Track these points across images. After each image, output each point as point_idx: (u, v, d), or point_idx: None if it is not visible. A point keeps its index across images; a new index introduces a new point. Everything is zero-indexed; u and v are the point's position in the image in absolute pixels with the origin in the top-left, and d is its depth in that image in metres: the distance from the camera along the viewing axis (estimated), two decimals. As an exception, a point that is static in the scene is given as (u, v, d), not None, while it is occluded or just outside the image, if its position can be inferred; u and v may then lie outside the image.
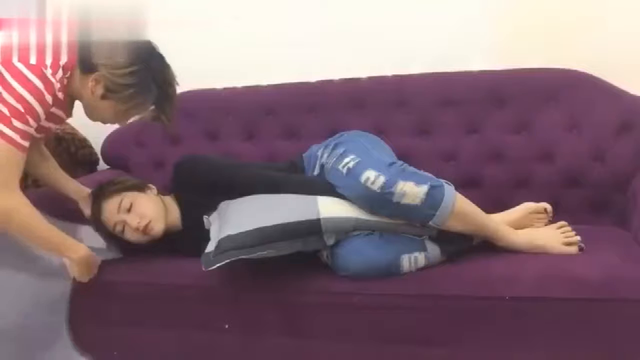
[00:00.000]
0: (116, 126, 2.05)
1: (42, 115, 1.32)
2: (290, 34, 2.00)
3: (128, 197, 1.56)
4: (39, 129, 1.37)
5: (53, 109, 1.37)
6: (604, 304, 1.26)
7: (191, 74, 1.90)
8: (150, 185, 1.65)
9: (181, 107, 2.00)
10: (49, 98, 1.30)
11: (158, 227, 1.56)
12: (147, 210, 1.55)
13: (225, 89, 2.02)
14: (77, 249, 1.44)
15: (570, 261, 1.35)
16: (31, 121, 1.30)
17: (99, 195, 1.59)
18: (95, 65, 1.33)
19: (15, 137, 1.28)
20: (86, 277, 1.48)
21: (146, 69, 1.35)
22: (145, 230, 1.53)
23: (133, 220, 1.53)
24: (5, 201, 1.30)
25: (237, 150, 1.98)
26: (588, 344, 1.28)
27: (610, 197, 1.67)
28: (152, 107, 1.43)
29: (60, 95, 1.35)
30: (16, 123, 1.28)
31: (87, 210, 1.62)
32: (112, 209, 1.56)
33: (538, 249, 1.42)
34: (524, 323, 1.30)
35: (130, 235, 1.56)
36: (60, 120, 1.48)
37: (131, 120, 1.47)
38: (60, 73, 1.32)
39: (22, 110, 1.27)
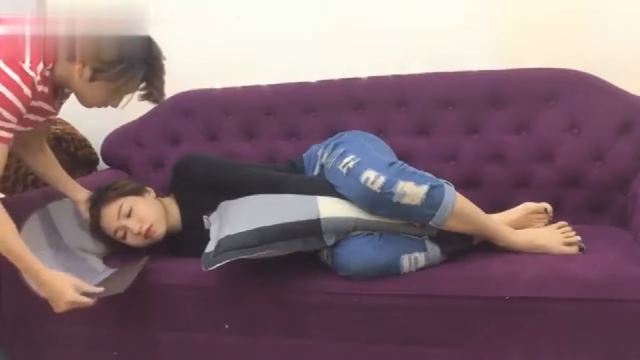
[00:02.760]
0: (116, 126, 2.07)
1: (23, 110, 1.30)
2: (290, 33, 2.00)
3: (127, 202, 1.55)
4: (24, 121, 1.36)
5: (36, 103, 1.35)
6: (604, 304, 1.26)
7: (191, 73, 1.90)
8: (148, 188, 1.65)
9: (181, 107, 2.02)
10: (27, 92, 1.29)
11: (160, 230, 1.56)
12: (148, 214, 1.55)
13: (225, 89, 2.01)
14: (39, 273, 1.33)
15: (570, 261, 1.35)
16: (10, 117, 1.28)
17: (97, 201, 1.58)
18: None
19: None
20: (57, 306, 1.36)
21: (131, 46, 1.33)
22: (147, 234, 1.53)
23: (134, 225, 1.53)
24: None
25: (237, 150, 1.98)
26: (588, 344, 1.28)
27: (610, 197, 1.67)
28: (143, 83, 1.40)
29: (41, 88, 1.33)
30: None
31: (85, 214, 1.62)
32: (112, 214, 1.55)
33: (538, 249, 1.42)
34: (524, 323, 1.30)
35: (132, 240, 1.55)
36: (47, 113, 1.46)
37: (124, 101, 1.43)
38: (41, 66, 1.31)
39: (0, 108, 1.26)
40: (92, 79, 1.34)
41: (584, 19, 1.78)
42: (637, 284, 1.25)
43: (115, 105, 1.44)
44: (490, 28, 1.85)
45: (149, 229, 1.52)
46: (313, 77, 1.93)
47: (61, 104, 1.52)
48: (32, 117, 1.39)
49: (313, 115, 1.92)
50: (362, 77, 1.87)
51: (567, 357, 1.30)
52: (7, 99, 1.26)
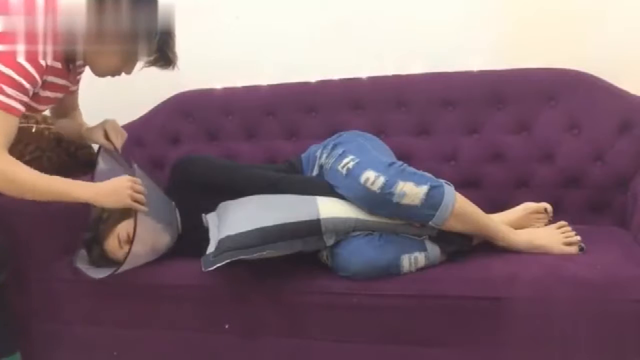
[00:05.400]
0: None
1: (39, 80, 1.28)
2: (291, 33, 2.00)
3: (123, 228, 1.51)
4: (43, 100, 1.34)
5: (51, 78, 1.34)
6: (604, 304, 1.26)
7: (191, 73, 1.90)
8: None
9: (181, 107, 2.02)
10: (42, 62, 1.27)
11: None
12: None
13: (225, 89, 2.02)
14: (85, 189, 1.40)
15: (570, 261, 1.35)
16: (27, 85, 1.26)
17: (96, 240, 1.55)
18: None
19: (7, 100, 1.24)
20: (125, 200, 1.41)
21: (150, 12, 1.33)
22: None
23: None
24: None
25: (237, 150, 1.98)
26: (588, 343, 1.28)
27: (610, 197, 1.67)
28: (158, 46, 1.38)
29: (54, 63, 1.32)
30: (8, 90, 1.24)
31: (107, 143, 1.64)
32: (114, 246, 1.51)
33: (538, 249, 1.43)
34: (524, 323, 1.30)
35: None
36: (65, 89, 1.46)
37: (136, 68, 1.41)
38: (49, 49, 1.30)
39: (15, 76, 1.24)
40: (106, 48, 1.32)
41: (584, 18, 1.78)
42: (637, 284, 1.25)
43: (129, 72, 1.42)
44: (490, 28, 1.85)
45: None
46: (313, 77, 1.93)
47: (78, 76, 1.50)
48: (51, 94, 1.38)
49: (313, 115, 1.92)
50: (362, 77, 1.88)
51: (567, 357, 1.30)
52: (23, 67, 1.24)
